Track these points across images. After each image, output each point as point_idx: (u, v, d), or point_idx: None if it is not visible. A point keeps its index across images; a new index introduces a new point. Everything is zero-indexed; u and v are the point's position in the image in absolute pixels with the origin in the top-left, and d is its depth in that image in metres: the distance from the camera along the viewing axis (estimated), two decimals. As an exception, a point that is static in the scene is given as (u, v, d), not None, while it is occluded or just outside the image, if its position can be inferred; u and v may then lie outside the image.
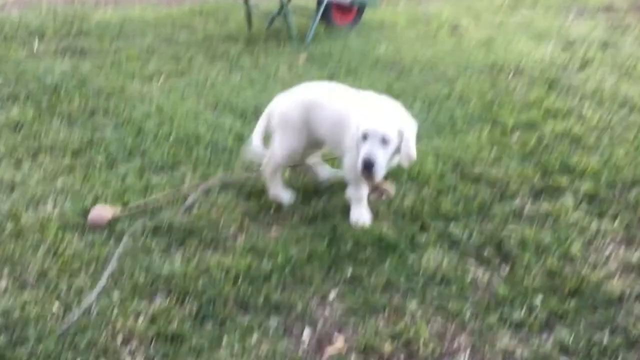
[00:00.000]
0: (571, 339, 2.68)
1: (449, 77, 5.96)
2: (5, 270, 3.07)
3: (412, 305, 2.87)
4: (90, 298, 2.84)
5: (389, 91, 5.48)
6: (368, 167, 3.17)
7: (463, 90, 5.59)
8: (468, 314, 2.83)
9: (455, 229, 3.44)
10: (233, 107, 5.14)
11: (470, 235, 3.39)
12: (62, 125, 4.70)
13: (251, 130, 4.63)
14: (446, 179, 3.97)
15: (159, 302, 2.88)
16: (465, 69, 6.19)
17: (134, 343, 2.64)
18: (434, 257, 3.19)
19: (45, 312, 2.78)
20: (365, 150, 3.18)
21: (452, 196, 3.77)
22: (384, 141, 3.18)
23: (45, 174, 3.98)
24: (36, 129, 4.61)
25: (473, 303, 2.90)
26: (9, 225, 3.41)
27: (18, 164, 4.12)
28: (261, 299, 2.88)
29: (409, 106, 5.13)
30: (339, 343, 2.67)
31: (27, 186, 3.80)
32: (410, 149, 3.24)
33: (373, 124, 3.17)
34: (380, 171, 3.21)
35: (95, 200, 3.65)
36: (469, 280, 3.06)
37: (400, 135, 3.22)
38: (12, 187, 3.81)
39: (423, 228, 3.45)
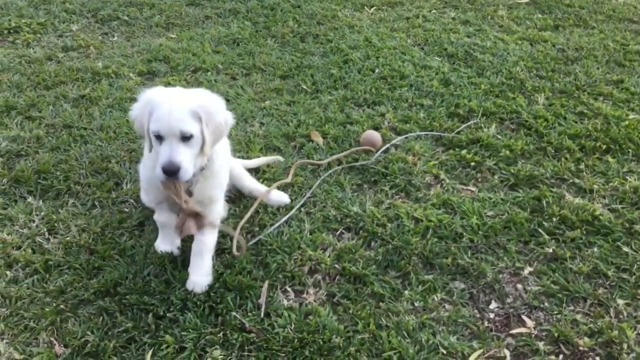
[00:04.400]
0: None
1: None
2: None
3: (620, 302, 2.54)
4: (280, 220, 2.95)
5: (623, 50, 4.81)
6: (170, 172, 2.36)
7: None
8: (688, 328, 2.44)
9: (686, 225, 2.95)
10: (442, 47, 4.87)
11: None
12: (275, 47, 4.83)
13: (459, 76, 4.40)
14: (683, 163, 3.40)
15: (347, 239, 2.89)
16: None
17: (319, 276, 2.69)
18: (654, 253, 2.78)
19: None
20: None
21: (688, 185, 3.22)
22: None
23: (255, 93, 4.14)
24: (251, 47, 4.80)
25: (696, 316, 2.49)
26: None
27: (233, 79, 4.34)
28: (449, 260, 2.75)
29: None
30: (528, 325, 2.46)
31: (239, 102, 3.99)
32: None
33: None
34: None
35: (298, 126, 3.72)
36: (694, 288, 2.62)
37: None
38: (225, 101, 4.02)
39: (646, 216, 3.01)
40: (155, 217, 2.71)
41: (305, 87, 4.23)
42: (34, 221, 2.92)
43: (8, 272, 2.63)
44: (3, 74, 4.25)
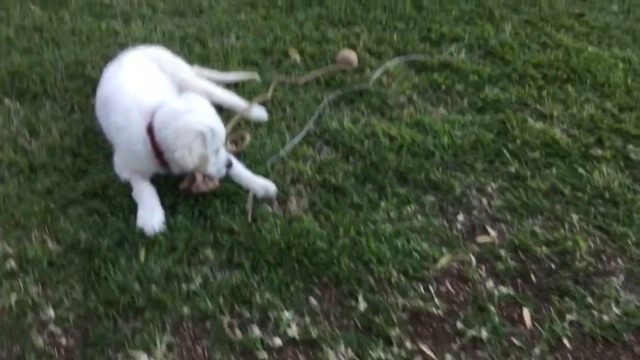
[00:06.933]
0: None
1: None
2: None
3: (574, 217, 2.81)
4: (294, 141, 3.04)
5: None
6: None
7: (673, -3, 4.92)
8: (631, 240, 2.73)
9: (633, 150, 3.22)
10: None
11: (649, 161, 3.17)
12: (247, -42, 4.72)
13: (432, 1, 4.45)
14: (633, 95, 3.66)
15: (326, 153, 3.02)
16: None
17: (301, 186, 2.82)
18: (605, 174, 3.05)
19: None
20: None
21: (637, 115, 3.49)
22: None
23: (229, 5, 4.09)
24: (223, -43, 4.67)
25: (638, 229, 2.79)
26: (197, 47, 3.60)
27: (206, -11, 4.26)
28: (422, 175, 2.93)
29: (604, 5, 4.70)
30: (491, 234, 2.71)
31: (214, 14, 3.95)
32: None
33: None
34: None
35: (275, 41, 3.74)
36: (638, 205, 2.91)
37: None
38: (200, 12, 3.98)
39: (599, 142, 3.26)
40: (136, 189, 2.61)
41: (279, 2, 4.20)
42: (12, 122, 2.89)
43: (-8, 171, 2.64)
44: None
